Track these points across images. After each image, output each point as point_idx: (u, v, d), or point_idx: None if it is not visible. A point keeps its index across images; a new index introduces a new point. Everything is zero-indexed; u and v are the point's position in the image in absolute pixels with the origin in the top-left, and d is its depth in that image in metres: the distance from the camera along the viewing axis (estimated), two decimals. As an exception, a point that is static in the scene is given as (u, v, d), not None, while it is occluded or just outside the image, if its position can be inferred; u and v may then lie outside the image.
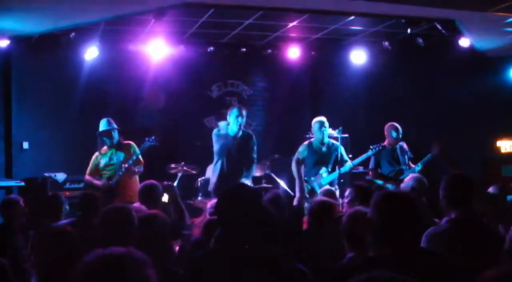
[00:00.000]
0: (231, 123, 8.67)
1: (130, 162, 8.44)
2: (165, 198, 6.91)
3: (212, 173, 8.87)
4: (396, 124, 9.57)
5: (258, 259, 3.26)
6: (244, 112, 8.65)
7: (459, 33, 10.60)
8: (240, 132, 8.63)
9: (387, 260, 3.07)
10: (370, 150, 9.29)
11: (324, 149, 9.23)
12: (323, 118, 9.26)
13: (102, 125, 8.70)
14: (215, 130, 8.86)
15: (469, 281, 3.02)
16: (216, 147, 8.71)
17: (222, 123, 8.84)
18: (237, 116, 8.59)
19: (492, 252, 4.18)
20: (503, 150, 12.47)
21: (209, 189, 8.99)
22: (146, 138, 8.62)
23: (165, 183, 6.74)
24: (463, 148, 11.64)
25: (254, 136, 8.85)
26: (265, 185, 10.11)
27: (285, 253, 3.49)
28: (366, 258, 3.18)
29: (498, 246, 4.29)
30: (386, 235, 3.15)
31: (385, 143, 9.56)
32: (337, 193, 8.62)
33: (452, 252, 4.04)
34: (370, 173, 9.71)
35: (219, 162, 8.63)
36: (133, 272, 2.08)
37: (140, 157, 8.61)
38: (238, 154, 8.60)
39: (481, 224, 4.51)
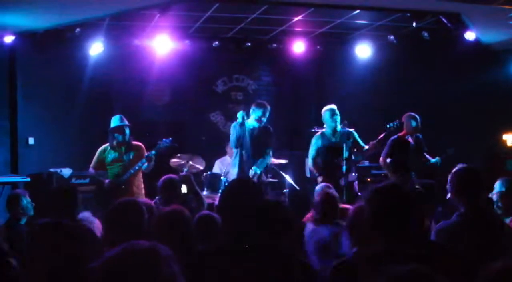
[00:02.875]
0: (253, 119, 8.82)
1: (140, 164, 8.41)
2: (184, 189, 7.01)
3: (232, 166, 8.95)
4: (414, 114, 9.42)
5: (262, 254, 3.26)
6: (267, 113, 8.84)
7: (464, 27, 10.56)
8: (259, 125, 8.72)
9: (394, 254, 3.06)
10: (386, 129, 9.00)
11: (337, 137, 9.11)
12: (333, 106, 9.17)
13: (114, 121, 8.67)
14: (234, 123, 8.93)
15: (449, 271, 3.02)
16: (234, 138, 8.82)
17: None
18: (261, 114, 8.81)
19: (503, 244, 4.18)
20: (509, 144, 12.43)
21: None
22: (164, 139, 8.58)
23: (182, 174, 6.81)
24: (469, 141, 11.61)
25: (271, 129, 9.00)
26: (270, 180, 10.11)
27: (291, 248, 3.49)
28: (373, 252, 3.17)
29: (508, 239, 4.28)
30: (385, 229, 3.14)
31: (403, 133, 9.40)
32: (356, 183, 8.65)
33: (463, 245, 4.03)
34: (381, 159, 9.46)
35: (239, 155, 8.73)
36: (159, 267, 2.05)
37: (153, 156, 8.50)
38: (257, 146, 8.73)
39: (491, 217, 4.49)
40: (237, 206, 3.41)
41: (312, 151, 9.19)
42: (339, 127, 9.09)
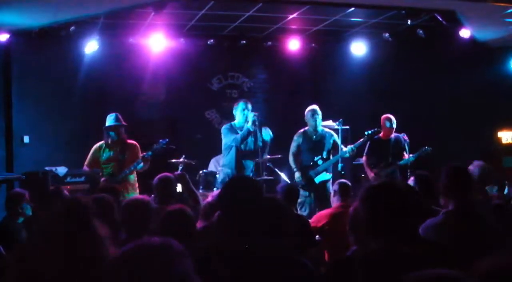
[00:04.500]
0: (238, 117, 8.92)
1: (136, 164, 8.42)
2: (179, 187, 7.02)
3: (223, 165, 8.99)
4: (390, 116, 9.76)
5: (262, 253, 3.26)
6: (250, 106, 8.93)
7: (459, 24, 10.58)
8: (248, 125, 8.74)
9: (390, 253, 3.06)
10: (366, 135, 9.40)
11: (317, 136, 9.37)
12: (315, 107, 9.43)
13: (110, 120, 8.66)
14: (225, 125, 9.16)
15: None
16: (227, 139, 8.90)
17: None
18: (243, 110, 8.89)
19: (488, 244, 4.18)
20: (504, 141, 12.47)
21: (220, 181, 9.14)
22: (160, 140, 8.60)
23: (176, 173, 6.82)
24: (464, 139, 11.64)
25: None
26: (266, 177, 10.11)
27: (290, 247, 3.48)
28: (369, 251, 3.17)
29: (494, 239, 4.29)
30: (380, 228, 3.13)
31: (381, 134, 9.72)
32: (331, 181, 8.83)
33: (448, 244, 4.03)
34: (363, 158, 9.97)
35: (233, 154, 8.77)
36: (173, 262, 2.05)
37: (149, 157, 8.52)
38: (249, 146, 8.75)
39: (478, 216, 4.49)
40: (237, 203, 3.40)
41: (293, 148, 9.52)
42: (319, 127, 9.36)
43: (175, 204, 5.44)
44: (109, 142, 8.63)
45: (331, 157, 9.28)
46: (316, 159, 9.22)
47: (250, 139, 8.86)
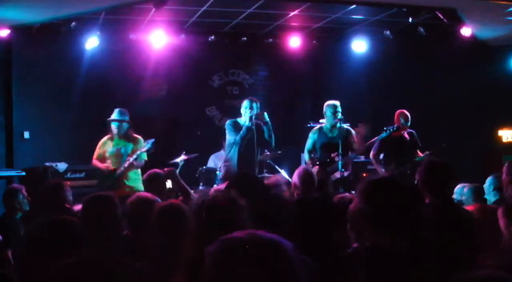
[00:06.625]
0: (243, 115, 8.88)
1: (135, 156, 8.40)
2: (169, 184, 7.02)
3: (225, 161, 8.98)
4: (406, 111, 9.46)
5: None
6: (255, 105, 8.82)
7: (460, 22, 10.57)
8: (252, 123, 8.74)
9: (389, 250, 3.06)
10: (384, 131, 9.19)
11: (334, 132, 9.12)
12: (336, 102, 9.20)
13: (114, 114, 8.67)
14: (229, 121, 9.04)
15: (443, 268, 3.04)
16: (230, 136, 8.88)
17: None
18: (246, 108, 8.83)
19: (465, 237, 4.24)
20: (504, 140, 12.46)
21: (221, 177, 9.15)
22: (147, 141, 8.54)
23: (166, 169, 6.84)
24: (464, 137, 11.64)
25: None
26: (266, 174, 10.10)
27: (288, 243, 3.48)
28: (367, 248, 3.16)
29: (471, 232, 4.36)
30: (381, 224, 3.13)
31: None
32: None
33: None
34: (371, 154, 9.54)
35: (235, 151, 8.77)
36: (289, 257, 1.99)
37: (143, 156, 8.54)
38: (252, 143, 8.73)
39: (455, 210, 4.65)
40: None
41: (308, 144, 9.30)
42: (338, 123, 9.09)
43: (165, 200, 5.46)
44: (115, 134, 8.60)
45: (349, 153, 9.09)
46: (332, 155, 9.02)
47: (252, 136, 8.81)
